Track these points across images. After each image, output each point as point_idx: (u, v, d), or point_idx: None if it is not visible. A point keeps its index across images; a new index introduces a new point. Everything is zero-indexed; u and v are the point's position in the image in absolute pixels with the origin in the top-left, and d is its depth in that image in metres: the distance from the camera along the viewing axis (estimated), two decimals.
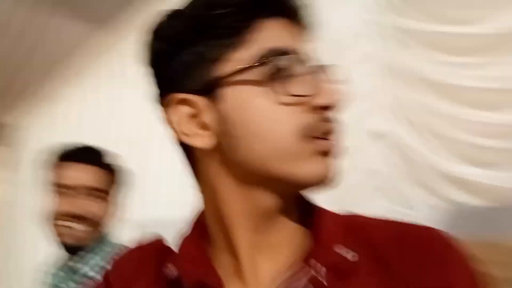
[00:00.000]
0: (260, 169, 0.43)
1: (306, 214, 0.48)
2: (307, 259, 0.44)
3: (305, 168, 0.43)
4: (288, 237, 0.47)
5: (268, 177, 0.44)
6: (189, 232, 0.51)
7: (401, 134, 1.51)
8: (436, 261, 0.43)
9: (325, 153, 0.44)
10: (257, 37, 0.44)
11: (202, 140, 0.45)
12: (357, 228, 0.47)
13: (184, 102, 0.46)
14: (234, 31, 0.44)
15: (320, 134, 0.44)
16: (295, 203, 0.48)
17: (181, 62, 0.45)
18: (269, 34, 0.44)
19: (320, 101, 0.44)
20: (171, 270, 0.48)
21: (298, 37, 0.47)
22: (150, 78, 0.49)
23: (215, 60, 0.44)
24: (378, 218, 0.49)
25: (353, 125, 1.40)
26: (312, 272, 0.43)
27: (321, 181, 0.44)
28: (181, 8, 0.47)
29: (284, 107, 0.43)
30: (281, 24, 0.46)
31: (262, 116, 0.43)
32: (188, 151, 0.49)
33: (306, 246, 0.46)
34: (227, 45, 0.44)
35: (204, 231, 0.50)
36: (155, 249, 0.54)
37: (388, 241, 0.45)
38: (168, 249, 0.53)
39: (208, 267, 0.47)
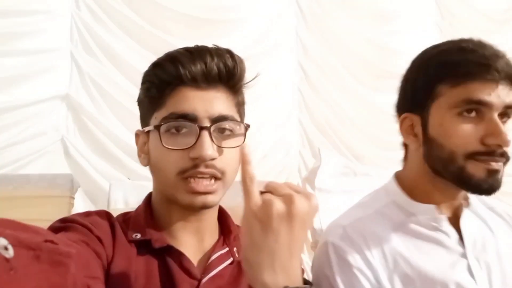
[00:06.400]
0: (161, 191, 0.70)
1: (220, 215, 0.76)
2: (223, 241, 0.73)
3: (180, 197, 0.66)
4: (208, 227, 0.73)
5: (166, 197, 0.69)
6: (146, 210, 0.72)
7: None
8: None
9: (194, 192, 0.65)
10: (168, 102, 0.67)
11: (142, 161, 0.72)
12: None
13: (143, 133, 0.72)
14: (158, 98, 0.68)
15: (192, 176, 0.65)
16: (214, 208, 0.72)
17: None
18: (174, 100, 0.67)
19: (195, 154, 0.64)
20: (138, 236, 0.67)
21: (199, 98, 0.67)
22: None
23: (148, 117, 0.70)
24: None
25: None
26: (228, 248, 0.72)
27: (191, 208, 0.67)
28: None
29: (172, 152, 0.65)
30: (184, 91, 0.67)
31: (159, 157, 0.67)
32: None
33: (218, 235, 0.74)
34: (153, 108, 0.69)
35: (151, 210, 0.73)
36: (108, 219, 0.69)
37: None
38: (115, 220, 0.69)
39: (164, 237, 0.68)
